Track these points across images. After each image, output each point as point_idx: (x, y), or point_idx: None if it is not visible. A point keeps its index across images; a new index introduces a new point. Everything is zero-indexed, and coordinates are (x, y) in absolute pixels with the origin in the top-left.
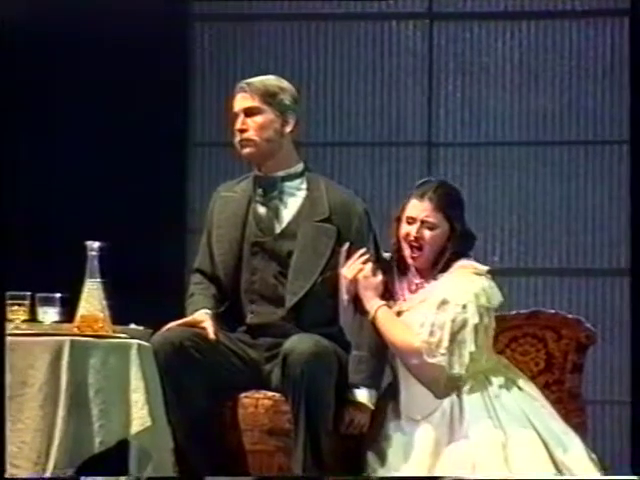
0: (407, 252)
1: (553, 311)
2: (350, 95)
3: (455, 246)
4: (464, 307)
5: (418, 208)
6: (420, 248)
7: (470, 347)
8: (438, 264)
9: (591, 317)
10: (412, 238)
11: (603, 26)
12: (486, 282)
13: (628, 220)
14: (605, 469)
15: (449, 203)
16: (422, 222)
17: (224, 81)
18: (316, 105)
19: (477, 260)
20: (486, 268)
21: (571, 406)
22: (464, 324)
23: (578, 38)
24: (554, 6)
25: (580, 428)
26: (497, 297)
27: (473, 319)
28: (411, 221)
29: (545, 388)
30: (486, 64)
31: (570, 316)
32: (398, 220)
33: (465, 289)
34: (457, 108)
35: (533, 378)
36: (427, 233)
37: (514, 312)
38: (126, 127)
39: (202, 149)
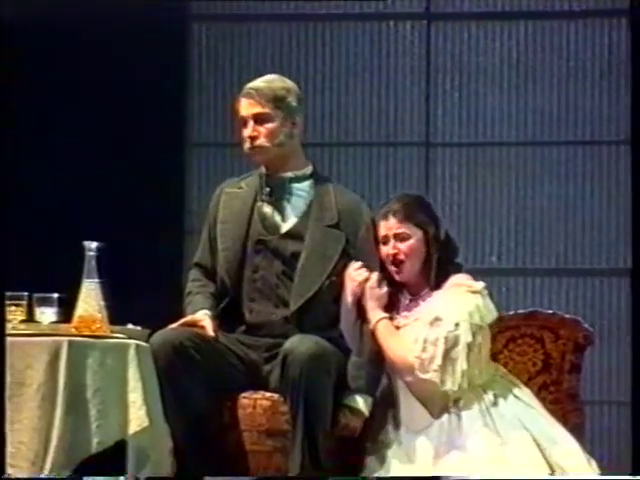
0: (392, 269)
1: (551, 311)
2: (348, 95)
3: (436, 250)
4: (457, 325)
5: (386, 226)
6: (402, 262)
7: (462, 365)
8: (429, 277)
9: (589, 317)
10: (391, 257)
11: (600, 26)
12: (480, 300)
13: (626, 220)
14: (602, 471)
15: (413, 211)
16: (395, 237)
17: (221, 81)
18: (314, 105)
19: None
20: (481, 285)
21: (569, 407)
22: (456, 342)
23: (575, 38)
24: (551, 6)
25: (578, 429)
26: (491, 315)
27: (466, 337)
28: (385, 240)
29: (543, 389)
30: (483, 64)
31: (568, 316)
32: (376, 242)
33: (459, 307)
34: (455, 108)
35: (531, 379)
36: (402, 246)
37: (512, 312)
38: (124, 127)
39: (200, 149)
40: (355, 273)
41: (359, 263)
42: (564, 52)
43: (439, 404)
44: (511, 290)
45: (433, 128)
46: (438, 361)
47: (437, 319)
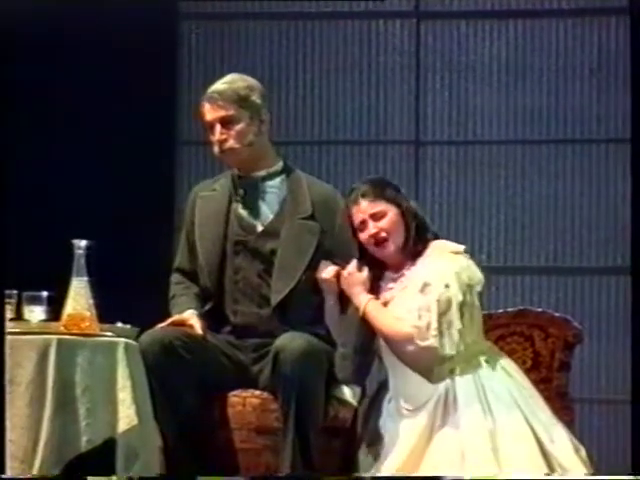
0: (375, 250)
1: (540, 310)
2: (337, 94)
3: (412, 220)
4: (447, 286)
5: (361, 210)
6: (385, 240)
7: (457, 325)
8: (408, 248)
9: (578, 315)
10: (373, 238)
11: (590, 25)
12: (464, 261)
13: (617, 218)
14: (591, 461)
15: (381, 188)
16: (372, 217)
17: (211, 80)
18: (303, 104)
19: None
20: (462, 247)
21: (558, 404)
22: (449, 304)
23: (565, 37)
24: (541, 5)
25: (568, 426)
26: (477, 274)
27: (457, 297)
28: (363, 226)
29: None
30: (473, 63)
31: (557, 315)
32: (353, 230)
33: (445, 269)
34: (444, 107)
35: None
36: (382, 223)
37: (501, 310)
38: (113, 126)
39: (189, 147)
40: (325, 273)
41: (327, 263)
42: (553, 50)
43: (438, 372)
44: (501, 288)
45: (423, 126)
46: (435, 325)
47: (426, 284)
